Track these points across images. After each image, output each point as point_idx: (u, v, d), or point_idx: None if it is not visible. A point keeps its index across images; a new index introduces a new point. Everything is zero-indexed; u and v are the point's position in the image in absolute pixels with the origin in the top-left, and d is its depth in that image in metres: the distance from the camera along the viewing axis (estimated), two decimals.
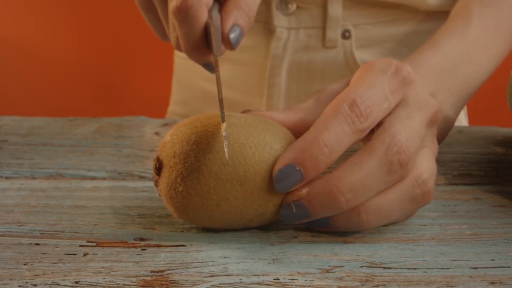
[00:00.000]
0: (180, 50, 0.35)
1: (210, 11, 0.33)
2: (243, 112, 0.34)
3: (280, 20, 0.57)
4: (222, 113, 0.31)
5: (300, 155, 0.29)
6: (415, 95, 0.33)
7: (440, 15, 0.58)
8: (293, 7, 0.57)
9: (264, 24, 0.59)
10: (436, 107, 0.33)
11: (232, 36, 0.32)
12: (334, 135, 0.29)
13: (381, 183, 0.30)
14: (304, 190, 0.30)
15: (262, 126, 0.31)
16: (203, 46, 0.33)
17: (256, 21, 0.59)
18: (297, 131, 0.33)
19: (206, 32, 0.33)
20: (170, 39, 0.36)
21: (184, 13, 0.32)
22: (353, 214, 0.30)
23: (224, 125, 0.30)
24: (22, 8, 1.52)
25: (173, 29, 0.34)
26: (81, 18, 1.53)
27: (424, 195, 0.31)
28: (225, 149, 0.30)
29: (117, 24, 1.49)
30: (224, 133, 0.30)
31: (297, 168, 0.29)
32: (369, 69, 0.32)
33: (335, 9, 0.56)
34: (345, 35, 0.57)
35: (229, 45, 0.32)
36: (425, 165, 0.31)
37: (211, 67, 0.34)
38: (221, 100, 0.31)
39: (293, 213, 0.30)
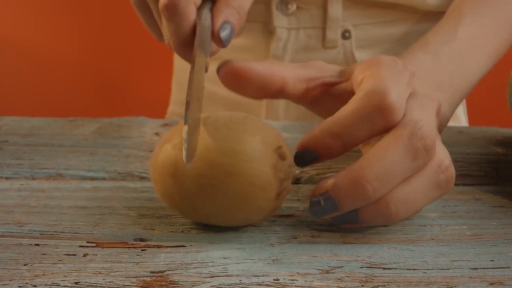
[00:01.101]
0: (171, 48, 0.35)
1: (200, 10, 0.33)
2: (222, 63, 0.32)
3: (280, 21, 0.57)
4: (186, 115, 0.29)
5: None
6: (420, 88, 0.33)
7: (439, 16, 0.58)
8: (293, 7, 0.57)
9: (264, 24, 0.59)
10: (439, 99, 0.34)
11: (223, 34, 0.32)
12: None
13: (406, 169, 0.29)
14: (330, 181, 0.29)
15: (242, 127, 0.31)
16: (191, 44, 0.33)
17: (255, 22, 0.59)
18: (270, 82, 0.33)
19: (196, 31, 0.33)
20: (164, 36, 0.36)
21: (172, 10, 0.32)
22: (381, 206, 0.30)
23: (185, 128, 0.28)
24: (22, 9, 1.52)
25: (165, 27, 0.34)
26: (81, 19, 1.53)
27: (448, 180, 0.31)
28: (183, 152, 0.28)
29: (117, 24, 1.49)
30: (184, 136, 0.28)
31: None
32: (379, 65, 0.32)
33: (335, 10, 0.56)
34: (345, 35, 0.57)
35: (220, 42, 0.32)
36: (443, 152, 0.31)
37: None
38: (188, 103, 0.29)
39: (322, 206, 0.30)
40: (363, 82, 0.31)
